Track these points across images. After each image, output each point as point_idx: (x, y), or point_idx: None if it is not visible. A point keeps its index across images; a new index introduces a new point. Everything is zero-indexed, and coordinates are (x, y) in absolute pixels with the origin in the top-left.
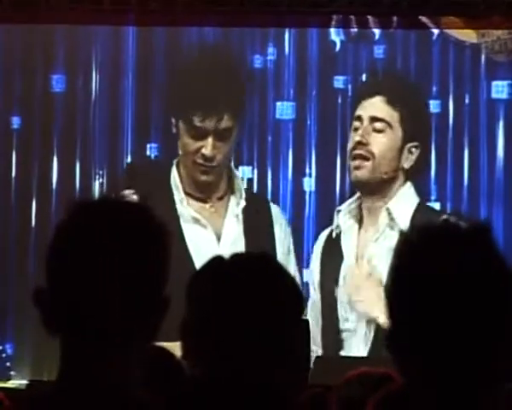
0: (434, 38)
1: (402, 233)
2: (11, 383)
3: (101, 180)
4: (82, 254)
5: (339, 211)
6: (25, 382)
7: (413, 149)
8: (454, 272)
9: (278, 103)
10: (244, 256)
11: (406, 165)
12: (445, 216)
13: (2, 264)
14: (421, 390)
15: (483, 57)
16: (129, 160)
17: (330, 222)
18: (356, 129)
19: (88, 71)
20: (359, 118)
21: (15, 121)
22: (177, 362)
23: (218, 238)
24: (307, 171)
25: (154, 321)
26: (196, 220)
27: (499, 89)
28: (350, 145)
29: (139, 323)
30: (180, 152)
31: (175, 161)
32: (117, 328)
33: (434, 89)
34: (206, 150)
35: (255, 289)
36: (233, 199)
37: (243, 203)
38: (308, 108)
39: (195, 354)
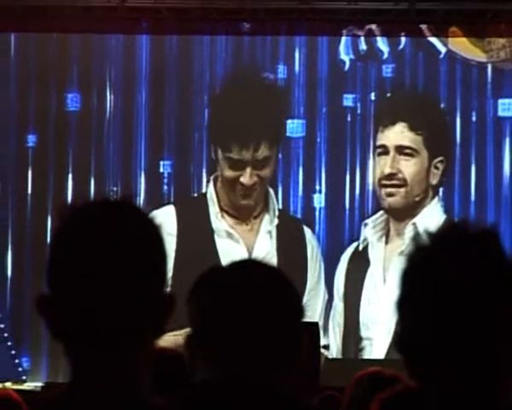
0: (442, 56)
1: (413, 238)
2: (27, 386)
3: (115, 197)
4: (82, 258)
5: (366, 224)
6: (40, 384)
7: (438, 165)
8: (462, 276)
9: (289, 121)
10: (242, 264)
11: (434, 181)
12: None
13: (20, 279)
14: (429, 391)
15: (489, 75)
16: (142, 176)
17: (341, 236)
18: (381, 156)
19: (102, 88)
20: (384, 147)
21: (31, 139)
22: (181, 362)
23: (250, 253)
24: (317, 187)
25: (160, 320)
26: (229, 235)
27: (506, 106)
28: (378, 173)
29: (147, 323)
30: (219, 174)
31: (212, 177)
32: (125, 330)
33: (442, 106)
34: (245, 180)
35: (256, 296)
36: (267, 217)
37: (276, 221)
38: (318, 126)
39: (202, 361)
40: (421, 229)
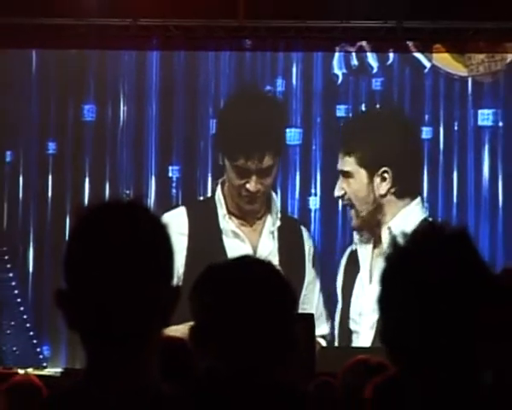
0: (426, 70)
1: (391, 239)
2: (47, 371)
3: (127, 198)
4: (96, 255)
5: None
6: (59, 370)
7: (385, 175)
8: (440, 277)
9: (287, 130)
10: (239, 262)
11: (383, 191)
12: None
13: (40, 274)
14: (409, 377)
15: (470, 88)
16: (153, 180)
17: (334, 237)
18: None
19: (116, 100)
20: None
21: (51, 147)
22: (187, 351)
23: (255, 252)
24: (313, 191)
25: (168, 311)
26: (236, 235)
27: (485, 117)
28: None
29: (155, 314)
30: (226, 179)
31: (220, 181)
32: (136, 322)
33: (426, 117)
34: (251, 186)
35: (252, 292)
36: (269, 219)
37: (278, 223)
38: (313, 134)
39: (206, 353)
40: (396, 231)
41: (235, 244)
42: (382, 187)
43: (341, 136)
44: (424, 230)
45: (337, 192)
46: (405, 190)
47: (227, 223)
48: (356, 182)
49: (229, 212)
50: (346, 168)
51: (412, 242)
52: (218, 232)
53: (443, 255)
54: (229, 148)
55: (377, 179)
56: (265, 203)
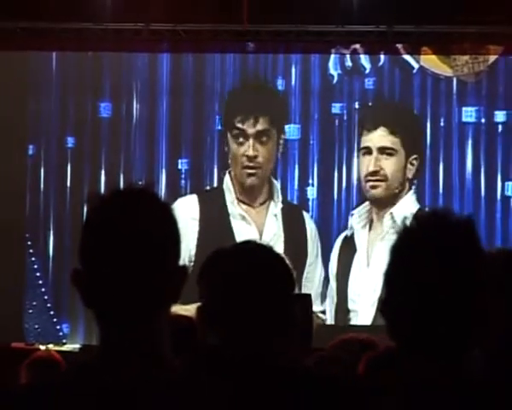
0: (415, 71)
1: (402, 221)
2: (66, 347)
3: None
4: (109, 239)
5: (352, 214)
6: (78, 346)
7: (414, 161)
8: (438, 253)
9: (286, 126)
10: (243, 247)
11: (410, 175)
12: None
13: (60, 258)
14: (408, 351)
15: (455, 87)
16: (163, 172)
17: (330, 223)
18: (365, 156)
19: (130, 99)
20: (368, 148)
21: (70, 141)
22: (194, 327)
23: (261, 234)
24: (310, 182)
25: (175, 289)
26: (243, 218)
27: (468, 114)
28: (364, 170)
29: (164, 293)
30: (230, 162)
31: (227, 171)
32: (146, 300)
33: (415, 113)
34: (249, 151)
35: (255, 275)
36: (272, 203)
37: (280, 205)
38: (311, 130)
39: (211, 330)
40: (397, 218)
41: (243, 227)
42: (412, 171)
43: (382, 114)
44: (433, 214)
45: (372, 167)
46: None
47: (235, 208)
48: (397, 161)
49: (237, 198)
50: (392, 145)
51: (421, 224)
52: (227, 216)
53: (448, 239)
54: (229, 116)
55: (409, 164)
56: (267, 189)
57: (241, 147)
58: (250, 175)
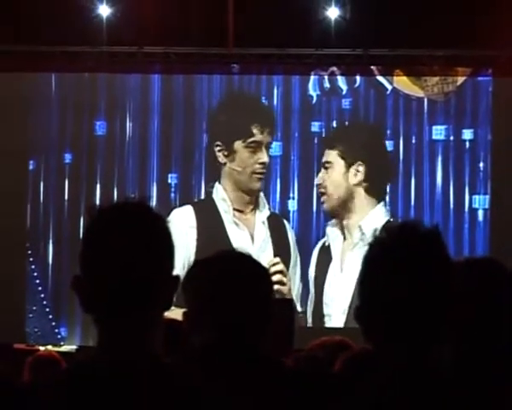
0: (388, 92)
1: (373, 233)
2: (64, 348)
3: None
4: (107, 248)
5: (328, 225)
6: (74, 347)
7: (359, 168)
8: (408, 262)
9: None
10: (223, 256)
11: (356, 181)
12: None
13: (58, 266)
14: (382, 352)
15: (426, 107)
16: (154, 186)
17: (309, 232)
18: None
19: (123, 117)
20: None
21: (67, 157)
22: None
23: (252, 238)
24: (291, 195)
25: (168, 295)
26: (237, 224)
27: (438, 132)
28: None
29: (157, 298)
30: (238, 169)
31: (217, 183)
32: (141, 304)
33: (388, 132)
34: (264, 158)
35: (235, 281)
36: (259, 211)
37: (267, 213)
38: (292, 147)
39: (197, 333)
40: (365, 229)
41: (237, 232)
42: (355, 178)
43: (325, 141)
44: (400, 226)
45: (317, 181)
46: (374, 189)
47: (229, 215)
48: (334, 171)
49: (230, 206)
50: (328, 159)
51: (392, 235)
52: (222, 223)
53: (418, 250)
54: (238, 131)
55: (352, 170)
56: (255, 198)
57: (255, 154)
58: (260, 180)
